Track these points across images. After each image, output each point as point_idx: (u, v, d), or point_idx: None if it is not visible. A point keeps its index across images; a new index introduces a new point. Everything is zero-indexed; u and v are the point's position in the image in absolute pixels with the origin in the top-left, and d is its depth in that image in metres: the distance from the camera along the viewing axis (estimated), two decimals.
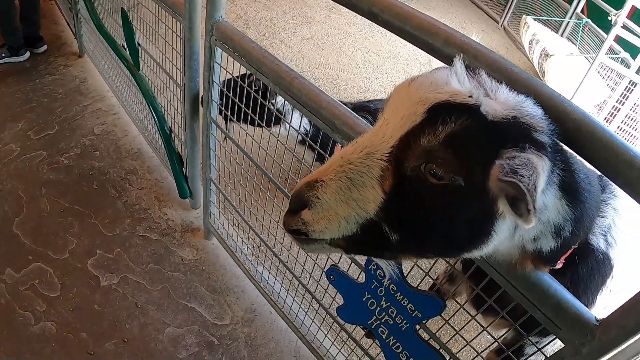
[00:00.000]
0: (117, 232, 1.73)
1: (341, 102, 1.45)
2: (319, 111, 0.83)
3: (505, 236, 0.47)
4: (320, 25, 3.70)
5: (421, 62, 3.46)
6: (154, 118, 1.68)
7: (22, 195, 1.85)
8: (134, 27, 1.57)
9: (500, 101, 0.43)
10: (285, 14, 3.69)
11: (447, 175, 0.42)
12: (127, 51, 1.72)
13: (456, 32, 0.60)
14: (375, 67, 3.25)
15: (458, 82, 0.44)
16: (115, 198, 1.88)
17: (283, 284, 1.43)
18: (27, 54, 2.69)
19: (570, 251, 0.61)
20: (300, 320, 1.32)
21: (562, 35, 4.57)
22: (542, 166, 0.39)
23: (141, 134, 2.23)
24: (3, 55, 2.62)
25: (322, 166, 0.48)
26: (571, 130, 0.47)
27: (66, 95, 2.52)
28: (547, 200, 0.45)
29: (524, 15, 4.39)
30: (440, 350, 0.78)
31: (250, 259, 1.58)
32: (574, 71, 3.40)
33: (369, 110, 1.57)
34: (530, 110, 0.44)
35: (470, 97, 0.42)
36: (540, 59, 3.85)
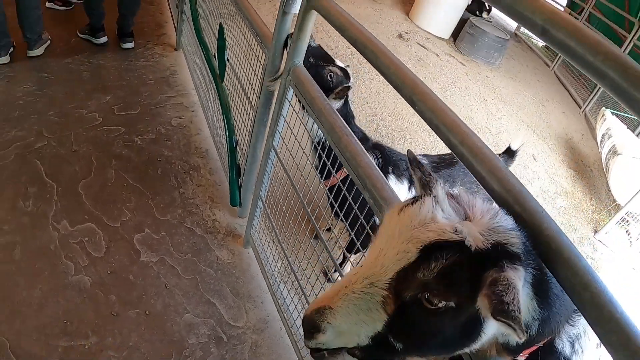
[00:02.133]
0: (167, 218, 2.65)
1: (424, 154, 2.27)
2: (356, 168, 1.43)
3: (491, 334, 0.83)
4: None
5: (491, 131, 4.22)
6: (225, 128, 2.61)
7: (94, 161, 2.93)
8: (227, 43, 2.51)
9: (477, 222, 0.77)
10: None
11: (440, 302, 0.74)
12: (217, 62, 2.69)
13: (473, 134, 1.02)
14: None
15: (443, 214, 0.77)
16: (174, 187, 2.85)
17: (297, 307, 2.15)
18: (104, 39, 4.05)
19: (534, 348, 0.95)
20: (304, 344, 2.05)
21: (638, 135, 5.28)
22: (519, 278, 0.72)
23: (212, 136, 3.23)
24: (86, 31, 4.06)
25: (327, 292, 0.83)
26: (543, 243, 0.80)
27: (155, 83, 3.78)
28: (520, 299, 0.72)
29: (604, 107, 5.35)
30: None
31: (276, 276, 2.32)
32: (636, 176, 4.10)
33: (449, 162, 2.34)
34: (504, 223, 0.78)
35: (455, 232, 0.74)
36: (608, 155, 4.68)
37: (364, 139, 2.19)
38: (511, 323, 0.68)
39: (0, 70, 3.52)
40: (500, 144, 4.43)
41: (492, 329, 0.82)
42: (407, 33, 6.18)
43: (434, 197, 0.82)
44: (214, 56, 2.67)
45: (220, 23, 2.57)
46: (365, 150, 1.44)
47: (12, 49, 3.59)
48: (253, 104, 2.37)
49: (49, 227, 2.54)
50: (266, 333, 2.20)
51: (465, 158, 1.02)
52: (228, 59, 2.61)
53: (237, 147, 2.61)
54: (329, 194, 2.02)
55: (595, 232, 4.09)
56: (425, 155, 2.22)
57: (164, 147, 3.18)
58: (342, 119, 1.55)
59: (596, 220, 4.25)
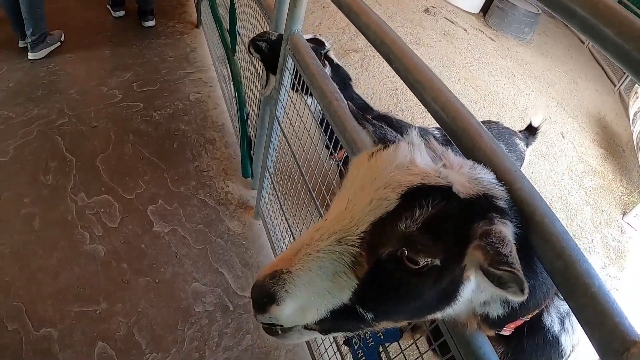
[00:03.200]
0: (181, 190, 2.75)
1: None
2: (343, 132, 1.54)
3: (467, 298, 0.74)
4: (427, 49, 4.58)
5: (518, 107, 4.10)
6: (236, 100, 2.65)
7: (112, 136, 3.07)
8: (237, 17, 2.55)
9: (460, 172, 0.70)
10: (396, 30, 4.99)
11: (425, 260, 0.64)
12: (229, 36, 2.88)
13: (448, 91, 1.00)
14: (470, 102, 3.94)
15: (421, 159, 0.69)
16: (189, 160, 2.95)
17: None
18: (120, 14, 4.34)
19: (520, 322, 0.91)
20: None
21: None
22: (510, 234, 0.65)
23: (228, 110, 3.29)
24: (107, 4, 4.37)
25: (285, 252, 0.71)
26: (515, 205, 0.75)
27: (174, 60, 3.88)
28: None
29: (637, 85, 5.14)
30: None
31: (282, 247, 2.44)
32: None
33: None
34: (485, 176, 0.72)
35: (439, 176, 0.67)
36: (639, 134, 4.49)
37: (365, 107, 2.20)
38: (514, 271, 0.59)
39: (23, 51, 3.78)
40: (526, 120, 4.25)
41: (469, 291, 0.74)
42: (434, 7, 6.09)
43: (410, 142, 0.75)
44: (227, 31, 2.78)
45: None
46: (353, 116, 1.46)
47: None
48: (260, 75, 2.46)
49: (67, 199, 2.71)
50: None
51: (439, 116, 1.01)
52: (239, 32, 2.66)
53: (248, 119, 2.70)
54: (342, 167, 2.06)
55: (624, 214, 3.93)
56: (439, 129, 2.23)
57: (181, 122, 3.28)
58: (334, 85, 1.57)
59: (625, 202, 4.09)
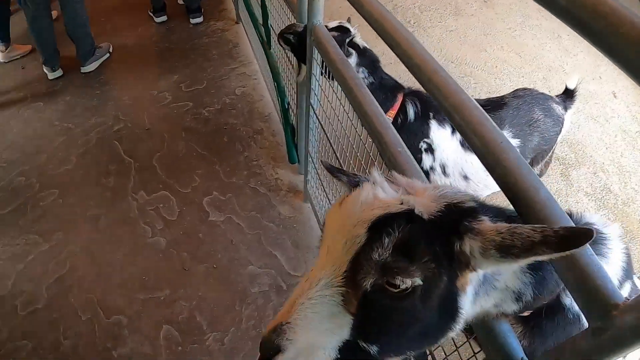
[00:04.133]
0: (233, 180, 2.98)
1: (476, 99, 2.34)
2: (364, 116, 1.44)
3: (469, 308, 0.80)
4: (467, 18, 4.57)
5: (565, 70, 3.94)
6: (276, 91, 2.85)
7: (166, 136, 3.36)
8: (268, 11, 2.73)
9: (424, 195, 0.79)
10: (435, 1, 4.87)
11: (405, 281, 0.71)
12: (264, 30, 3.04)
13: (441, 69, 1.08)
14: (514, 68, 3.93)
15: (384, 193, 0.78)
16: (239, 152, 3.18)
17: None
18: (163, 19, 4.71)
19: None
20: None
21: None
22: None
23: (273, 101, 3.49)
24: (149, 12, 4.75)
25: (283, 307, 0.79)
26: (500, 176, 0.84)
27: (218, 57, 4.16)
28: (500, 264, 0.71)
29: None
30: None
31: None
32: None
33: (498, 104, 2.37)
34: (449, 190, 0.80)
35: (402, 204, 0.75)
36: None
37: (396, 86, 2.31)
38: (588, 234, 0.62)
39: (77, 65, 4.17)
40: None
41: (469, 300, 0.80)
42: None
43: (372, 181, 0.83)
44: (262, 24, 2.98)
45: None
46: (374, 99, 1.54)
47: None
48: (294, 66, 2.64)
49: (129, 197, 3.02)
50: None
51: (433, 95, 1.10)
52: (272, 26, 2.86)
53: (289, 108, 2.89)
54: None
55: None
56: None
57: (229, 116, 3.53)
58: (355, 72, 1.70)
59: None
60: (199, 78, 3.95)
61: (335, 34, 2.09)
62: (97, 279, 2.60)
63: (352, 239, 0.76)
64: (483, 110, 0.95)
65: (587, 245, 0.63)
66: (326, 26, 2.17)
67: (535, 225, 0.67)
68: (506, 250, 0.69)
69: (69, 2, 3.83)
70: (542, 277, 0.85)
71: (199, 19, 4.75)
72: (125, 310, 2.44)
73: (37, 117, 3.82)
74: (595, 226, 1.02)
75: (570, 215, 1.04)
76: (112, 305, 2.47)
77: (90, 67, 4.24)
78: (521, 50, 4.15)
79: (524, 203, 0.77)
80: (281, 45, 2.34)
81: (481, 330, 0.98)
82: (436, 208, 0.75)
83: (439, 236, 0.73)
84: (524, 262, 0.70)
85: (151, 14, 4.87)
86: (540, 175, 2.57)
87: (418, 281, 0.72)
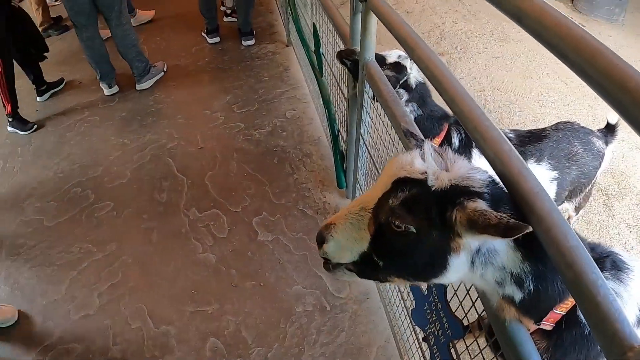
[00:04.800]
0: (282, 202, 3.16)
1: (512, 130, 2.47)
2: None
3: (463, 270, 1.03)
4: (514, 44, 4.68)
5: None
6: (327, 117, 3.05)
7: (218, 155, 3.59)
8: (320, 40, 2.92)
9: (453, 172, 1.01)
10: (481, 27, 5.04)
11: (402, 225, 0.99)
12: (315, 57, 3.19)
13: (482, 116, 1.16)
14: (559, 96, 4.00)
15: (422, 162, 1.03)
16: (288, 174, 3.38)
17: (397, 287, 2.51)
18: (216, 40, 5.07)
19: (559, 316, 1.09)
20: (396, 314, 2.30)
21: None
22: (482, 204, 0.94)
23: (323, 125, 3.69)
24: (202, 33, 5.12)
25: (336, 213, 1.15)
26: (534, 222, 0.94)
27: (269, 79, 4.40)
28: (496, 245, 1.00)
29: None
30: None
31: None
32: None
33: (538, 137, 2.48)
34: (473, 174, 1.00)
35: (423, 174, 1.01)
36: None
37: (444, 117, 2.47)
38: (523, 229, 0.87)
39: (132, 83, 4.51)
40: None
41: (460, 263, 1.04)
42: None
43: (421, 150, 1.09)
44: (313, 52, 3.20)
45: (314, 23, 3.02)
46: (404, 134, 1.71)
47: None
48: (345, 95, 2.83)
49: (181, 214, 3.24)
50: (366, 304, 2.58)
51: (467, 127, 1.23)
52: (323, 55, 3.06)
53: (339, 135, 3.08)
54: None
55: None
56: (513, 131, 2.41)
57: (279, 138, 3.74)
58: (404, 109, 1.85)
59: None
60: (250, 100, 4.20)
61: (390, 73, 2.25)
62: (148, 289, 2.81)
63: (384, 185, 1.06)
64: (522, 160, 1.08)
65: (611, 291, 0.81)
66: (384, 56, 2.35)
67: (500, 214, 0.91)
68: (471, 224, 0.93)
69: (118, 25, 4.17)
70: (542, 272, 1.04)
71: (251, 41, 5.06)
72: (174, 321, 2.63)
73: (93, 132, 4.12)
74: (619, 256, 1.21)
75: (597, 246, 1.23)
76: (161, 316, 2.66)
77: (145, 84, 4.56)
78: (567, 78, 4.25)
79: (555, 248, 0.90)
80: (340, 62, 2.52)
81: (502, 337, 1.16)
82: (447, 185, 1.00)
83: (438, 204, 0.99)
84: (482, 237, 0.95)
85: (204, 35, 5.21)
86: (579, 208, 2.66)
87: (412, 229, 1.01)
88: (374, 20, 1.96)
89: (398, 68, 2.31)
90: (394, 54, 2.37)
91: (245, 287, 2.75)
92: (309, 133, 3.77)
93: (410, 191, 1.02)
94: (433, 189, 1.01)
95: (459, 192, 0.99)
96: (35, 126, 4.31)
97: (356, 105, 2.46)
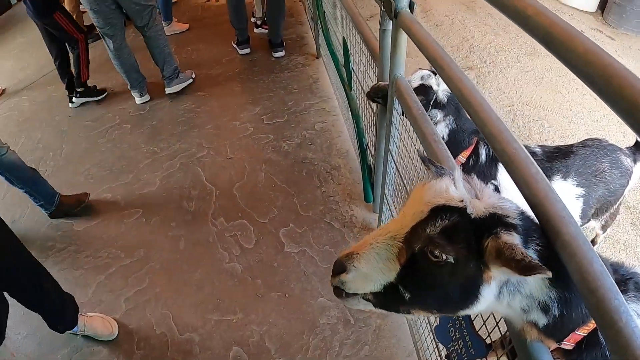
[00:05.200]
0: (309, 214, 3.23)
1: (540, 145, 2.50)
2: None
3: (491, 300, 1.04)
4: (543, 58, 4.70)
5: None
6: (355, 131, 3.13)
7: (246, 166, 3.69)
8: (350, 54, 3.01)
9: (484, 201, 1.03)
10: (511, 42, 5.08)
11: (442, 255, 0.98)
12: (345, 71, 3.25)
13: (512, 140, 1.18)
14: (588, 112, 4.01)
15: (455, 189, 1.04)
16: (316, 187, 3.45)
17: None
18: (246, 51, 5.23)
19: (579, 337, 1.11)
20: (420, 330, 2.35)
21: None
22: (515, 239, 0.96)
23: (351, 138, 3.75)
24: (233, 43, 5.27)
25: (359, 242, 1.12)
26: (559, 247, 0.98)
27: (299, 91, 4.51)
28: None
29: None
30: None
31: None
32: None
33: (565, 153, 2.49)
34: (505, 204, 1.03)
35: (461, 201, 1.01)
36: None
37: (474, 131, 2.49)
38: (540, 271, 0.88)
39: (162, 92, 4.66)
40: None
41: (491, 293, 1.04)
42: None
43: (452, 177, 1.09)
44: (343, 66, 3.29)
45: (344, 37, 3.11)
46: (450, 156, 1.69)
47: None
48: (374, 110, 2.90)
49: (209, 223, 3.34)
50: (389, 319, 2.63)
51: (493, 146, 1.26)
52: (353, 69, 3.14)
53: (367, 149, 3.15)
54: None
55: None
56: (540, 146, 2.45)
57: (308, 151, 3.83)
58: (433, 127, 1.87)
59: None
60: (280, 111, 4.31)
61: (420, 98, 2.26)
62: (173, 296, 2.89)
63: (419, 213, 1.05)
64: (549, 184, 1.11)
65: (634, 318, 0.84)
66: (408, 82, 2.40)
67: (526, 253, 0.92)
68: (498, 255, 0.95)
69: (150, 28, 4.34)
70: (568, 299, 1.05)
71: (281, 53, 5.20)
72: (198, 328, 2.71)
73: (124, 139, 4.27)
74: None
75: (620, 267, 1.26)
76: (186, 323, 2.75)
77: (174, 88, 4.73)
78: None
79: (579, 274, 0.92)
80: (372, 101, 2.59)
81: (523, 356, 1.19)
82: (484, 213, 1.01)
83: (477, 233, 0.99)
84: (502, 269, 0.96)
85: (235, 46, 5.36)
86: (606, 226, 2.67)
87: (450, 259, 0.99)
88: (404, 37, 2.01)
89: (424, 90, 2.35)
90: (416, 77, 2.39)
91: (271, 297, 2.82)
92: (338, 146, 3.85)
93: (450, 219, 1.01)
94: (472, 217, 1.01)
95: (496, 222, 1.01)
96: (106, 92, 4.82)
97: (385, 120, 2.52)
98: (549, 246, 1.02)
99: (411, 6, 1.89)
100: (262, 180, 3.61)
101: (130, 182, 3.79)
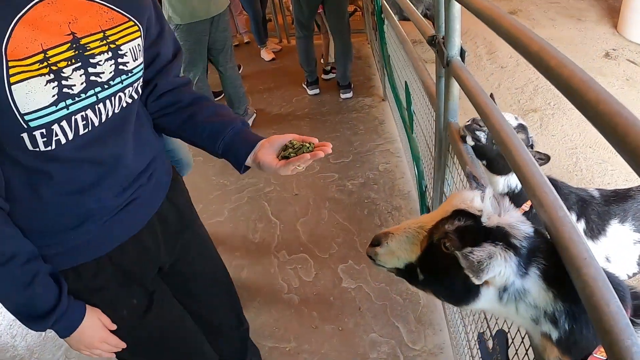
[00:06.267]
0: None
1: (597, 189, 2.58)
2: None
3: (494, 302, 1.16)
4: None
5: None
6: (415, 173, 3.32)
7: (311, 203, 3.94)
8: (412, 98, 3.22)
9: (502, 218, 1.17)
10: None
11: (451, 248, 1.12)
12: (407, 114, 3.55)
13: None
14: None
15: (479, 201, 1.20)
16: (377, 226, 3.64)
17: (468, 340, 2.65)
18: (316, 92, 5.61)
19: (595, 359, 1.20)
20: None
21: None
22: (502, 256, 1.08)
23: (414, 180, 4.02)
24: (303, 84, 5.68)
25: (397, 226, 1.32)
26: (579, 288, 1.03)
27: (365, 132, 4.75)
28: (527, 285, 1.12)
29: None
30: None
31: (454, 310, 2.92)
32: None
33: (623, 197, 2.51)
34: (518, 226, 1.15)
35: (480, 211, 1.17)
36: None
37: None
38: (460, 256, 1.06)
39: None
40: None
41: (490, 295, 1.17)
42: (614, 50, 6.18)
43: (482, 192, 1.29)
44: (405, 109, 3.51)
45: (406, 81, 3.32)
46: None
47: None
48: (432, 154, 3.09)
49: (271, 255, 3.58)
50: (439, 358, 2.75)
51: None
52: (414, 112, 3.34)
53: (426, 191, 3.34)
54: None
55: None
56: (598, 189, 2.53)
57: (371, 190, 4.04)
58: (479, 171, 1.88)
59: None
60: (346, 151, 4.56)
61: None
62: None
63: (444, 212, 1.24)
64: (576, 226, 1.14)
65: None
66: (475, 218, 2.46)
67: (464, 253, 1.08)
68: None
69: (226, 62, 4.75)
70: (577, 314, 1.13)
71: (349, 94, 5.53)
72: None
73: (196, 170, 4.58)
74: None
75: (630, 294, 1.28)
76: None
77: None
78: None
79: (595, 314, 0.99)
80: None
81: None
82: (493, 225, 1.17)
83: (482, 239, 1.15)
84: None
85: (305, 87, 5.76)
86: None
87: (457, 253, 1.15)
88: (456, 84, 2.10)
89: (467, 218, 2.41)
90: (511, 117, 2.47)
91: (325, 329, 3.01)
92: (400, 187, 4.04)
93: (465, 222, 1.19)
94: (483, 224, 1.17)
95: (500, 236, 1.16)
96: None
97: (441, 164, 2.70)
98: (556, 264, 1.12)
99: (462, 54, 2.00)
100: (325, 217, 3.85)
101: (200, 211, 4.04)
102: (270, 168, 1.50)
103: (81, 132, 1.24)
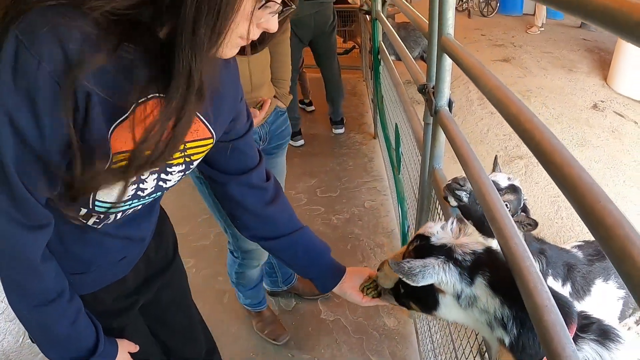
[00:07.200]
0: None
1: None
2: None
3: (455, 308, 1.31)
4: (592, 150, 4.96)
5: None
6: (399, 213, 3.47)
7: None
8: (401, 140, 3.40)
9: (453, 239, 1.35)
10: (562, 131, 5.38)
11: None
12: (395, 155, 3.78)
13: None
14: (634, 205, 4.19)
15: (440, 229, 1.38)
16: (359, 261, 3.77)
17: None
18: (300, 143, 5.67)
19: None
20: None
21: None
22: (439, 266, 1.28)
23: (398, 219, 4.27)
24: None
25: (392, 254, 1.56)
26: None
27: (354, 169, 4.93)
28: (477, 292, 1.25)
29: None
30: None
31: (429, 349, 3.05)
32: None
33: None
34: (468, 245, 1.32)
35: (432, 235, 1.35)
36: None
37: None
38: (392, 265, 1.27)
39: None
40: None
41: (451, 304, 1.32)
42: (602, 102, 6.43)
43: (445, 222, 1.45)
44: (394, 149, 3.70)
45: (396, 123, 3.50)
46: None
47: None
48: (416, 197, 3.27)
49: None
50: None
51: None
52: (402, 153, 3.51)
53: (409, 231, 3.51)
54: None
55: None
56: (580, 247, 2.57)
57: (355, 226, 4.18)
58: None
59: None
60: (333, 186, 4.73)
61: (513, 198, 2.21)
62: None
63: (413, 238, 1.43)
64: (541, 278, 1.18)
65: None
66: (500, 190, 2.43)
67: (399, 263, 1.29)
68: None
69: None
70: (521, 318, 1.22)
71: (341, 130, 5.77)
72: None
73: (188, 193, 4.75)
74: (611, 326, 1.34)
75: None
76: None
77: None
78: None
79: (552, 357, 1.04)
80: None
81: None
82: (439, 244, 1.34)
83: (430, 255, 1.31)
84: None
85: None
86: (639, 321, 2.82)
87: (390, 263, 1.32)
88: (442, 132, 2.18)
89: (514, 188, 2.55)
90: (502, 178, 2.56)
91: (301, 358, 3.13)
92: (384, 225, 4.20)
93: (421, 242, 1.38)
94: (431, 243, 1.35)
95: (443, 252, 1.32)
96: None
97: (423, 207, 2.86)
98: (500, 273, 1.26)
99: (450, 105, 2.15)
100: None
101: (187, 233, 4.23)
102: (355, 301, 1.73)
103: (127, 215, 1.35)
